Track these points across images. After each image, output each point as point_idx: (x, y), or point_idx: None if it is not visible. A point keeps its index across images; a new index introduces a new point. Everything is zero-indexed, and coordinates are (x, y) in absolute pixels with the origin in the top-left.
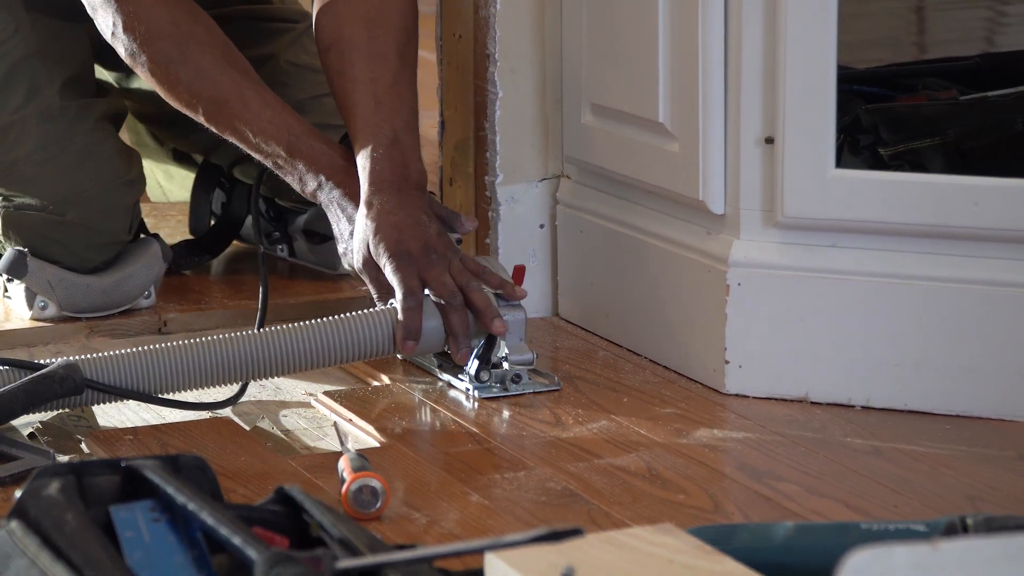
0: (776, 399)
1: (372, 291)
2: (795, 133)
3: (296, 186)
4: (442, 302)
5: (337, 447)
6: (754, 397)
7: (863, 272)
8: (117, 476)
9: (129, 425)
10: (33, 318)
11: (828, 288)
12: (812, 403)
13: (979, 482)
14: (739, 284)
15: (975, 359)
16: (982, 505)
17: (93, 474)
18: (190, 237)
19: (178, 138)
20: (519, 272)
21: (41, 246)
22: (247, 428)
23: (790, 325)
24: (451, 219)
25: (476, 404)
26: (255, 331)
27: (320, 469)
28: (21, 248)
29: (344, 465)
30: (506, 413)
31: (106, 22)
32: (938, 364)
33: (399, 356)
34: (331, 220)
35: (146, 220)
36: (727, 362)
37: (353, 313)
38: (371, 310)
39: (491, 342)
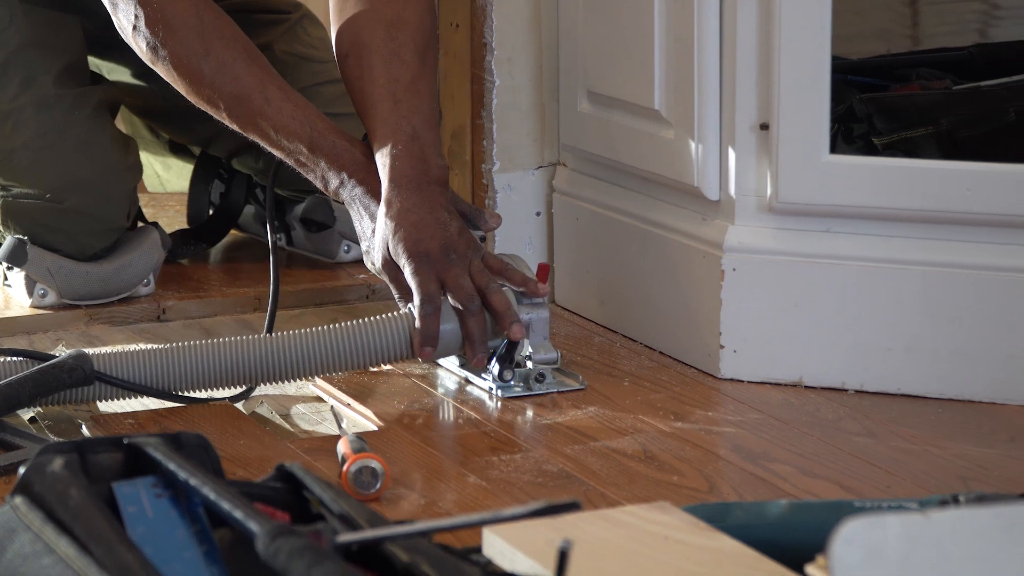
0: (770, 383)
1: (392, 291)
2: (790, 119)
3: (319, 184)
4: (460, 306)
5: (336, 431)
6: (749, 381)
7: (857, 257)
8: (120, 453)
9: (129, 410)
10: (33, 306)
11: (822, 273)
12: (806, 387)
13: (971, 463)
14: (734, 269)
15: (967, 343)
16: (974, 486)
17: (96, 451)
18: (188, 226)
19: (173, 131)
20: (543, 270)
21: (41, 234)
22: (246, 413)
23: (784, 310)
24: (474, 216)
25: (499, 404)
26: (272, 334)
27: (319, 452)
28: (21, 236)
29: (343, 447)
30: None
31: (128, 16)
32: (931, 348)
33: (419, 360)
34: (353, 218)
35: (144, 210)
36: (722, 347)
37: (370, 318)
38: (388, 315)
39: (514, 341)
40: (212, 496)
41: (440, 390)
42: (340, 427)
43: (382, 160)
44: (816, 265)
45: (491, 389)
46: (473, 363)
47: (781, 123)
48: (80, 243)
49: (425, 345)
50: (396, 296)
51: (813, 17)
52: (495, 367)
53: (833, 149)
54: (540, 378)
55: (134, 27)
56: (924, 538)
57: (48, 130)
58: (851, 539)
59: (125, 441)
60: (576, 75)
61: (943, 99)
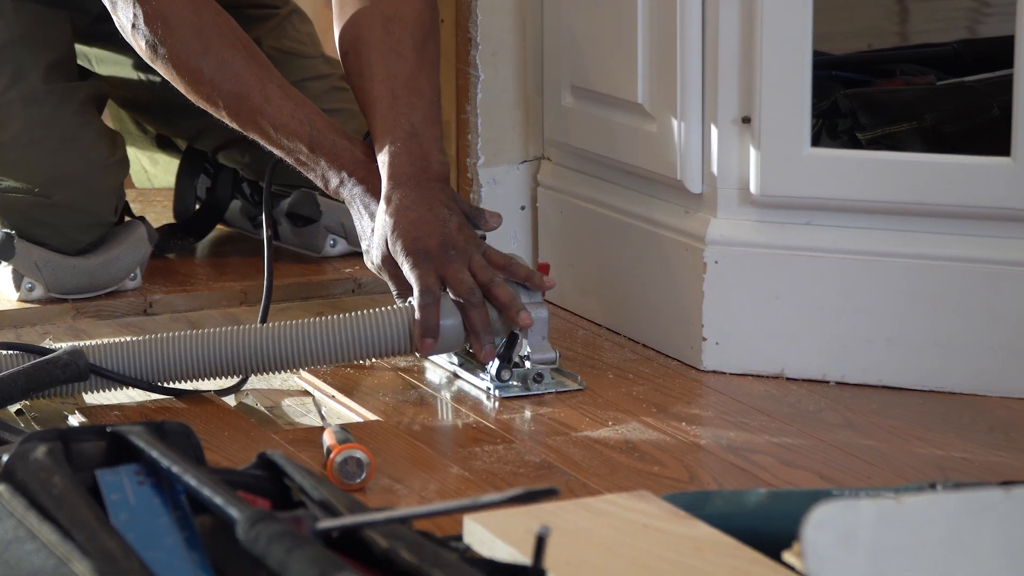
0: (752, 375)
1: (392, 289)
2: (771, 113)
3: (318, 182)
4: (461, 300)
5: (320, 423)
6: (731, 374)
7: (838, 249)
8: (103, 442)
9: (116, 402)
10: (20, 299)
11: (803, 265)
12: (788, 379)
13: (951, 454)
14: (716, 262)
15: (948, 335)
16: (953, 476)
17: (80, 440)
18: (174, 221)
19: (159, 124)
20: (543, 270)
21: (28, 228)
22: (232, 405)
23: (766, 302)
24: (474, 215)
25: (497, 403)
26: (269, 324)
27: (303, 443)
28: (8, 231)
29: (328, 438)
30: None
31: (127, 15)
32: (911, 340)
33: (417, 355)
34: (353, 217)
35: (132, 205)
36: (704, 339)
37: (370, 310)
38: (388, 308)
39: (512, 340)
40: (193, 483)
41: (425, 383)
42: (322, 418)
43: (382, 158)
44: (798, 257)
45: (489, 389)
46: (481, 357)
47: (763, 116)
48: (67, 237)
49: (426, 336)
50: (395, 294)
51: (795, 11)
52: (493, 366)
53: (818, 144)
54: (538, 378)
55: (133, 25)
56: (896, 522)
57: (35, 125)
58: (824, 523)
59: (108, 430)
60: (560, 69)
61: (927, 94)
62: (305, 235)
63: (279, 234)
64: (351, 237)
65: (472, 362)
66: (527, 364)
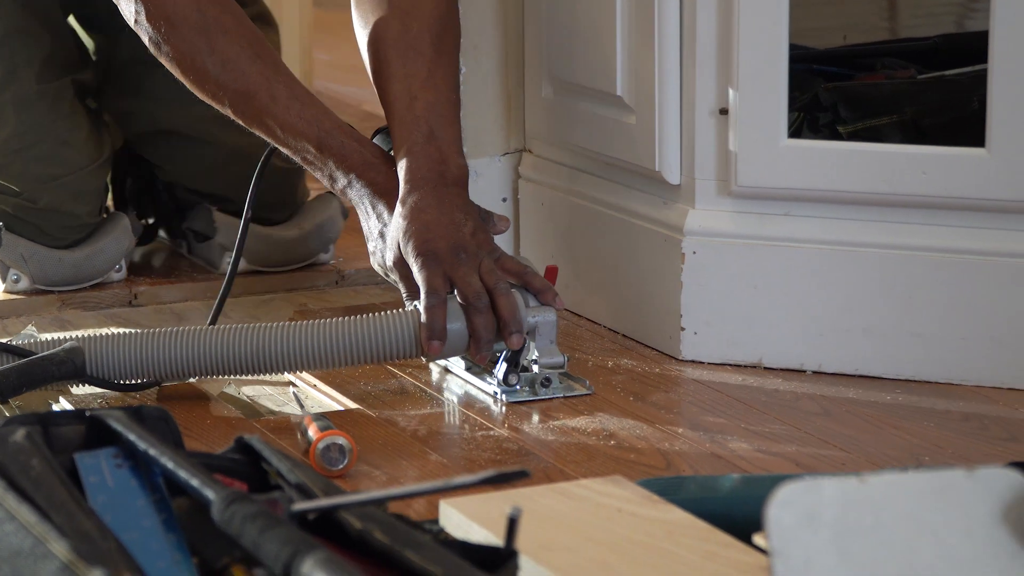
0: (730, 365)
1: (402, 290)
2: (748, 104)
3: (325, 182)
4: (467, 304)
5: (300, 412)
6: (709, 363)
7: (815, 240)
8: (82, 426)
9: (99, 391)
10: (6, 291)
11: (781, 256)
12: (765, 368)
13: (926, 442)
14: (694, 252)
15: (923, 324)
16: (927, 463)
17: (59, 423)
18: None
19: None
20: (551, 272)
21: (14, 224)
22: (213, 393)
23: (744, 292)
24: (483, 219)
25: (504, 408)
26: (275, 325)
27: (284, 431)
28: None
29: (309, 425)
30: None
31: (129, 10)
32: (888, 330)
33: (424, 359)
34: (360, 218)
35: None
36: (683, 329)
37: (376, 314)
38: (395, 311)
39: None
40: (170, 466)
41: (406, 374)
42: (301, 407)
43: (400, 162)
44: (775, 248)
45: (496, 394)
46: (475, 360)
47: (740, 108)
48: (52, 235)
49: (432, 339)
50: (405, 296)
51: (771, 2)
52: (500, 370)
53: (799, 138)
54: (546, 383)
55: (135, 21)
56: (859, 501)
57: (27, 130)
58: (787, 502)
59: (87, 414)
60: (541, 62)
61: (908, 88)
62: (203, 251)
63: (190, 247)
64: (247, 255)
65: (480, 365)
66: (535, 368)
